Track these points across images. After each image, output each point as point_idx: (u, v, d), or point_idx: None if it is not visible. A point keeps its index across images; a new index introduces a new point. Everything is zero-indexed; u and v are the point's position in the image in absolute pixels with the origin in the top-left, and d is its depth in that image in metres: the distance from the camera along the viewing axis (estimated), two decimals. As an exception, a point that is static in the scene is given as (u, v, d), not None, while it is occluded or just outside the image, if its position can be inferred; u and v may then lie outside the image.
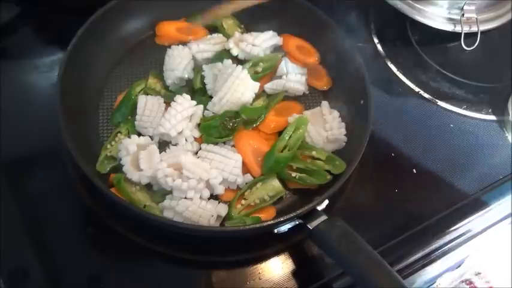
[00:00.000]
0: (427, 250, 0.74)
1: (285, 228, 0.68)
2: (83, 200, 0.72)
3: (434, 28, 0.91)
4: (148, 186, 0.72)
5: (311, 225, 0.66)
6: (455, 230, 0.75)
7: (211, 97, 0.78)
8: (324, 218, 0.66)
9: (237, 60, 0.84)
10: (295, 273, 0.70)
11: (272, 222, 0.66)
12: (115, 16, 0.83)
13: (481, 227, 0.77)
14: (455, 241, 0.75)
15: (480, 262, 0.80)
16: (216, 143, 0.74)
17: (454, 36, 0.90)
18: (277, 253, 0.71)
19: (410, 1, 0.92)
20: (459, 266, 0.76)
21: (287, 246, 0.72)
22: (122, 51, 0.85)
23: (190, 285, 0.70)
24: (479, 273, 0.79)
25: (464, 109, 0.87)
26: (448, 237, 0.75)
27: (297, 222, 0.67)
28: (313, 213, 0.67)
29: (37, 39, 0.90)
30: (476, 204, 0.78)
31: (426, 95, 0.88)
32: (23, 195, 0.73)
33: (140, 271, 0.69)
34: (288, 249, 0.72)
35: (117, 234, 0.70)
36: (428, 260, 0.74)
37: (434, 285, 0.74)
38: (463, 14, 0.90)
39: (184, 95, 0.75)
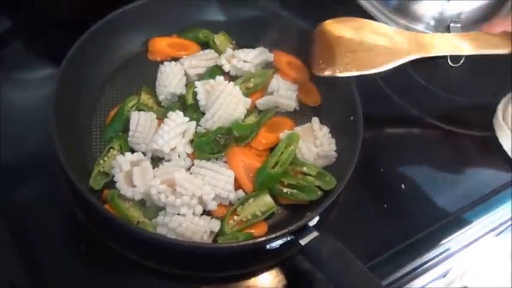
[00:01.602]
0: (414, 264, 0.75)
1: (276, 244, 0.69)
2: (75, 215, 0.73)
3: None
4: (142, 202, 0.72)
5: (303, 242, 0.66)
6: (441, 245, 0.77)
7: (203, 113, 0.79)
8: (315, 234, 0.67)
9: (229, 76, 0.85)
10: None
11: (264, 238, 0.67)
12: (108, 32, 0.83)
13: (464, 242, 0.78)
14: (442, 255, 0.77)
15: (466, 273, 0.83)
16: (208, 159, 0.75)
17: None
18: (268, 268, 0.72)
19: (396, 19, 0.94)
20: (445, 276, 0.78)
21: (278, 262, 0.72)
22: (115, 67, 0.85)
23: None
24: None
25: (451, 125, 0.89)
26: (435, 252, 0.76)
27: (289, 238, 0.68)
28: (304, 230, 0.68)
29: (28, 54, 0.91)
30: (459, 220, 0.79)
31: (414, 111, 0.89)
32: (12, 210, 0.74)
33: (132, 287, 0.70)
34: (279, 265, 0.72)
35: (110, 250, 0.70)
36: (416, 273, 0.75)
37: None
38: (449, 32, 0.93)
39: (177, 111, 0.76)
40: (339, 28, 0.79)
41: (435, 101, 0.91)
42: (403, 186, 0.81)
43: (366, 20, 0.81)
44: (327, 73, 0.76)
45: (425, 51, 0.79)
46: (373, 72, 0.76)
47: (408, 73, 0.93)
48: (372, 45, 0.77)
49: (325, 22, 0.80)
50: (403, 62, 0.78)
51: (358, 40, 0.77)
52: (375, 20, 0.92)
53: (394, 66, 0.77)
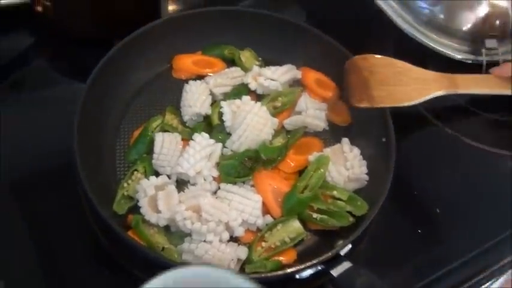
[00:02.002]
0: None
1: (306, 274, 0.66)
2: (98, 239, 0.71)
3: (455, 60, 0.90)
4: (167, 228, 0.70)
5: (335, 272, 0.64)
6: (480, 272, 0.73)
7: (229, 134, 0.76)
8: (347, 265, 0.64)
9: (256, 95, 0.83)
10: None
11: (294, 269, 0.64)
12: (133, 50, 0.81)
13: (503, 270, 0.74)
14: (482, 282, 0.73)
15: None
16: (235, 183, 0.73)
17: (475, 67, 0.89)
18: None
19: (429, 34, 0.91)
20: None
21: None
22: (139, 85, 0.83)
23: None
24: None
25: (491, 146, 0.85)
26: (473, 280, 0.73)
27: (320, 268, 0.65)
28: (336, 259, 0.65)
29: (52, 71, 0.89)
30: (498, 247, 0.76)
31: (450, 131, 0.86)
32: (36, 233, 0.72)
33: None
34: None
35: (133, 276, 0.68)
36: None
37: None
38: (484, 46, 0.89)
39: (203, 133, 0.74)
40: (369, 63, 0.81)
41: (473, 120, 0.88)
42: (438, 210, 0.78)
43: (390, 58, 0.84)
44: (364, 105, 0.77)
45: (453, 89, 0.83)
46: (407, 104, 0.79)
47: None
48: (401, 80, 0.81)
49: (355, 57, 0.82)
50: (433, 96, 0.82)
51: (389, 75, 0.81)
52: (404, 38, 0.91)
53: (425, 100, 0.81)
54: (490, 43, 0.89)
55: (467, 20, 0.90)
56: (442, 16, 0.90)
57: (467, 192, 0.80)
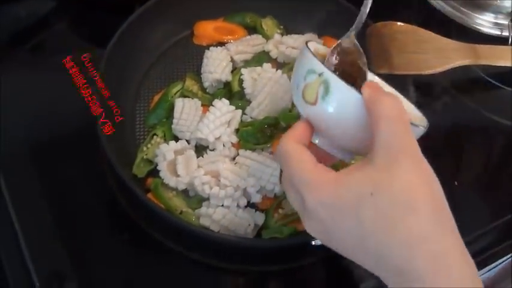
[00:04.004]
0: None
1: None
2: (118, 203, 0.71)
3: (481, 33, 0.88)
4: (185, 192, 0.70)
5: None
6: (498, 246, 0.73)
7: (249, 101, 0.76)
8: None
9: (276, 63, 0.82)
10: (329, 285, 0.69)
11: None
12: (153, 15, 0.81)
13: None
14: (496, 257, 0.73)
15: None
16: (253, 150, 0.73)
17: (501, 41, 0.87)
18: (310, 264, 0.70)
19: (456, 5, 0.89)
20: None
21: (321, 258, 0.70)
22: (159, 51, 0.83)
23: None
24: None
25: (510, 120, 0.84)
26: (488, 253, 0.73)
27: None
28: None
29: (72, 36, 0.89)
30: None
31: (472, 105, 0.85)
32: (55, 196, 0.72)
33: (175, 278, 0.68)
34: (321, 261, 0.70)
35: (153, 239, 0.69)
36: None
37: None
38: (511, 19, 0.87)
39: (223, 99, 0.74)
40: (391, 30, 0.81)
41: (494, 93, 0.87)
42: (456, 183, 0.77)
43: (412, 26, 0.82)
44: (384, 71, 0.76)
45: (474, 59, 0.82)
46: (427, 73, 0.78)
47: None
48: (422, 48, 0.80)
49: (376, 24, 0.81)
50: (454, 66, 0.80)
51: (410, 43, 0.80)
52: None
53: (445, 69, 0.79)
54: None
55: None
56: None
57: (489, 168, 0.80)
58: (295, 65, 0.54)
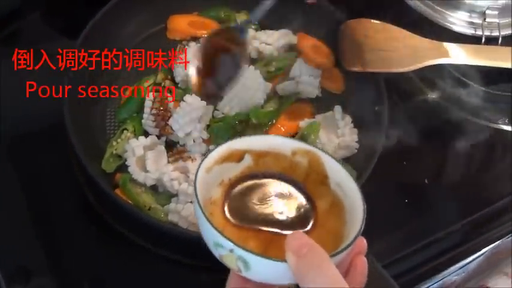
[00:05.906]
0: (435, 263, 0.72)
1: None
2: (86, 197, 0.71)
3: (454, 32, 0.88)
4: (154, 187, 0.70)
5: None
6: (465, 243, 0.74)
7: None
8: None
9: (250, 59, 0.81)
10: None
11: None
12: (127, 8, 0.80)
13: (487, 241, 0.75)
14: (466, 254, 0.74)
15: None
16: (224, 146, 0.72)
17: (474, 40, 0.88)
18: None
19: (430, 3, 0.89)
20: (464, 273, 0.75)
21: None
22: (132, 45, 0.82)
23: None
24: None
25: (481, 118, 0.85)
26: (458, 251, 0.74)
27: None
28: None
29: (45, 27, 0.88)
30: (486, 218, 0.76)
31: (442, 102, 0.85)
32: (25, 188, 0.72)
33: (143, 273, 0.68)
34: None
35: (120, 234, 0.69)
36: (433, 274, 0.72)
37: None
38: (484, 19, 0.88)
39: (194, 95, 0.73)
40: (364, 27, 0.81)
41: (466, 92, 0.87)
42: (426, 181, 0.78)
43: (385, 23, 0.83)
44: (357, 69, 0.77)
45: (446, 58, 0.82)
46: (400, 71, 0.79)
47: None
48: (395, 46, 0.81)
49: (350, 21, 0.81)
50: (427, 64, 0.81)
51: (383, 40, 0.80)
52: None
53: (417, 68, 0.80)
54: (490, 16, 0.88)
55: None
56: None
57: (456, 164, 0.80)
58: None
